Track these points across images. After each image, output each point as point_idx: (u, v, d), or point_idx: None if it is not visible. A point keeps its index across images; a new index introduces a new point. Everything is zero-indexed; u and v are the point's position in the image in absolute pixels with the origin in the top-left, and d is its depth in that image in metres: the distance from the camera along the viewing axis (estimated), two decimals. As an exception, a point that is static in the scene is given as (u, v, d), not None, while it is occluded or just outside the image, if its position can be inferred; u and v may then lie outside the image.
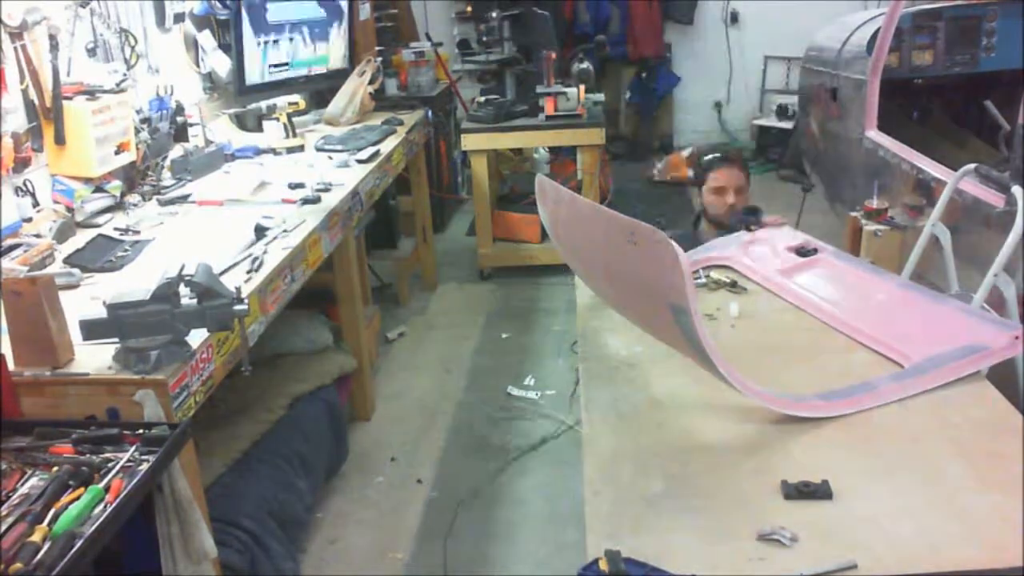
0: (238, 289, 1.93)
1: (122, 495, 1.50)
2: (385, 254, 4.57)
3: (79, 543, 1.37)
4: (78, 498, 1.48)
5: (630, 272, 1.70)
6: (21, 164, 2.53)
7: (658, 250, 1.48)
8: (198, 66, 3.64)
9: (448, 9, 6.63)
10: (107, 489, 1.51)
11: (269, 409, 2.75)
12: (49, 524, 1.42)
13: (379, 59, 4.60)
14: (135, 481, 1.54)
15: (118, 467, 1.57)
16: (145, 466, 1.58)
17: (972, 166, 2.90)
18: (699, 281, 2.31)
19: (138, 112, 3.00)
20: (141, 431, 1.68)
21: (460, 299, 4.65)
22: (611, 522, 1.45)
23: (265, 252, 2.43)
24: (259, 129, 3.82)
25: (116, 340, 1.80)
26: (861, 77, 3.99)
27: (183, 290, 1.83)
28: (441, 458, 3.21)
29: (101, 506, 1.48)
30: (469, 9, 6.43)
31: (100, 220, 2.72)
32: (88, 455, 1.61)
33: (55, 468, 1.57)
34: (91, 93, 2.71)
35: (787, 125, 6.45)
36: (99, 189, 2.76)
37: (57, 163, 2.65)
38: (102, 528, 1.43)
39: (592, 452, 1.67)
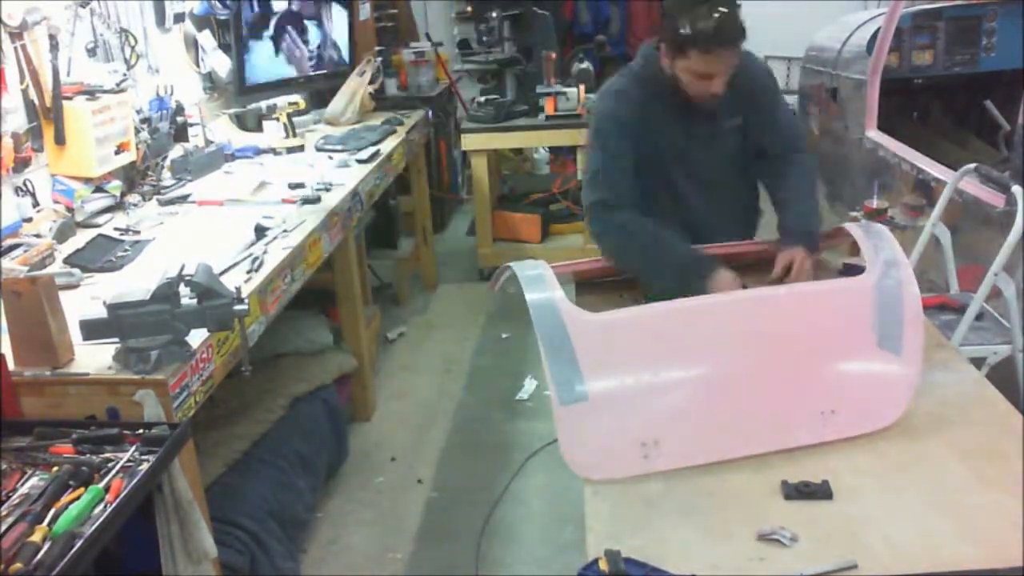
0: (238, 289, 1.93)
1: (122, 495, 1.50)
2: (385, 254, 4.57)
3: (79, 543, 1.37)
4: (78, 498, 1.48)
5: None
6: (21, 164, 2.52)
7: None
8: (198, 66, 3.63)
9: (448, 9, 6.61)
10: (107, 489, 1.51)
11: (269, 409, 2.75)
12: (49, 524, 1.42)
13: (379, 59, 4.60)
14: (135, 481, 1.54)
15: (118, 467, 1.57)
16: (145, 466, 1.58)
17: (972, 166, 2.90)
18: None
19: (138, 112, 2.99)
20: (141, 431, 1.68)
21: (460, 299, 4.65)
22: (611, 522, 1.45)
23: (265, 252, 2.43)
24: (259, 129, 3.82)
25: (116, 340, 1.80)
26: (861, 77, 3.99)
27: (183, 290, 1.83)
28: (441, 458, 3.21)
29: (101, 506, 1.48)
30: (469, 9, 6.40)
31: (100, 220, 2.72)
32: (88, 455, 1.61)
33: (55, 468, 1.57)
34: (91, 93, 2.70)
35: (787, 125, 6.44)
36: (99, 189, 2.76)
37: (57, 163, 2.65)
38: (102, 528, 1.43)
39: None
